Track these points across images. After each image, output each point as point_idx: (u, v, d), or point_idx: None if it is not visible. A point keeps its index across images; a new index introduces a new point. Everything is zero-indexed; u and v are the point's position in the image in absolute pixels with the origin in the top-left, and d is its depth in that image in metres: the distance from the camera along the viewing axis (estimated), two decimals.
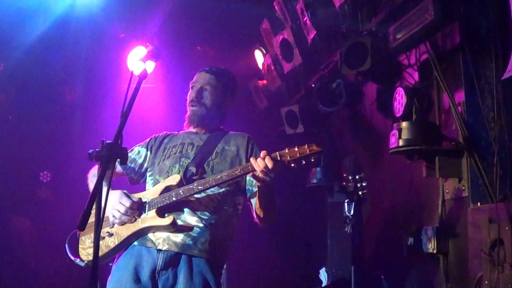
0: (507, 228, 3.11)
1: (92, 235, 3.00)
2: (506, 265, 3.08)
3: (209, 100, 3.41)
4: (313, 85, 5.54)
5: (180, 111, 3.57)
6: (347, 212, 4.09)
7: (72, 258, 3.21)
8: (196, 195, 3.12)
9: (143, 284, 3.04)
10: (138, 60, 2.75)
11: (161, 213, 3.12)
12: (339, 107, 5.20)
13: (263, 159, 2.85)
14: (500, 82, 3.31)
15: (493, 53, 3.41)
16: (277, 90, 6.30)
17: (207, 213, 3.16)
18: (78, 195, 3.58)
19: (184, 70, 5.95)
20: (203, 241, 3.11)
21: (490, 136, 3.43)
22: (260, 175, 2.88)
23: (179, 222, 3.11)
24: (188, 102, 3.45)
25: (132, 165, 3.47)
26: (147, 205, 3.16)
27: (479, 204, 3.46)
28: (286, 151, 2.89)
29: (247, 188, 3.27)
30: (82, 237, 3.26)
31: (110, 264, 3.27)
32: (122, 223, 3.17)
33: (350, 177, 4.05)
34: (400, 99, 3.93)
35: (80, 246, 3.24)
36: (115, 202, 3.14)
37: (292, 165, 2.89)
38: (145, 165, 3.48)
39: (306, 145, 2.87)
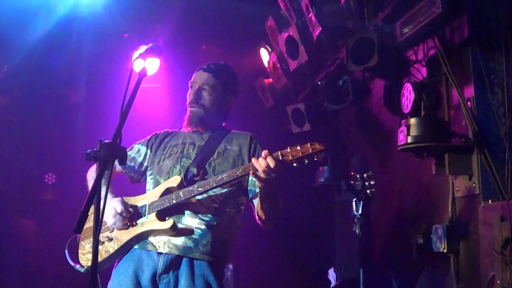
0: None
1: (92, 239, 2.95)
2: None
3: (207, 101, 3.33)
4: (319, 83, 5.49)
5: (185, 111, 3.51)
6: (355, 211, 4.04)
7: (72, 263, 3.16)
8: (197, 197, 3.06)
9: None
10: (137, 57, 2.69)
11: (161, 216, 3.06)
12: (346, 104, 5.16)
13: (265, 158, 2.79)
14: (511, 76, 3.26)
15: (503, 46, 3.40)
16: (283, 88, 6.27)
17: (209, 215, 3.09)
18: (83, 197, 3.52)
19: (189, 70, 5.86)
20: (205, 243, 3.05)
21: (501, 131, 3.41)
22: (262, 175, 2.81)
23: (180, 225, 3.05)
24: (187, 102, 3.39)
25: (131, 164, 3.41)
26: (147, 208, 3.11)
27: (490, 201, 3.41)
28: (288, 150, 2.82)
29: (249, 188, 3.20)
30: (82, 242, 3.21)
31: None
32: (120, 229, 3.12)
33: (358, 176, 4.00)
34: (408, 95, 3.89)
35: (79, 251, 3.20)
36: (112, 208, 3.09)
37: (295, 164, 2.82)
38: (145, 163, 3.42)
39: (308, 143, 2.81)
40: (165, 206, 3.04)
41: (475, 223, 3.52)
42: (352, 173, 4.12)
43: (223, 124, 3.45)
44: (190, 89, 3.40)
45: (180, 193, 3.02)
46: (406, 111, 3.91)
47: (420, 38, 4.00)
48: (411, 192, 4.53)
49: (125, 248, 3.10)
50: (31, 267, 6.63)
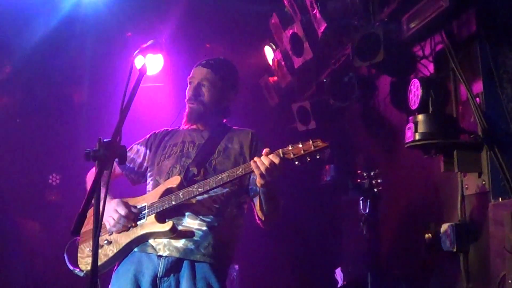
0: None
1: (91, 242, 2.89)
2: None
3: (207, 97, 3.27)
4: (324, 80, 5.45)
5: (184, 108, 3.45)
6: (362, 210, 4.00)
7: (71, 268, 3.11)
8: (197, 197, 2.99)
9: None
10: (137, 53, 2.64)
11: (161, 218, 2.99)
12: (351, 101, 5.10)
13: (266, 157, 2.74)
14: None
15: None
16: (288, 86, 6.22)
17: (210, 216, 3.03)
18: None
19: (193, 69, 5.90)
20: (206, 245, 2.98)
21: (511, 127, 3.35)
22: (263, 174, 2.74)
23: (180, 227, 2.98)
24: (186, 99, 3.33)
25: (131, 165, 3.35)
26: (146, 210, 3.04)
27: (500, 199, 3.36)
28: (290, 148, 2.76)
29: (250, 187, 3.14)
30: (81, 246, 3.15)
31: None
32: (119, 232, 3.06)
33: (364, 174, 3.96)
34: (415, 91, 3.83)
35: (79, 255, 3.14)
36: (111, 210, 3.03)
37: (296, 163, 2.76)
38: (145, 164, 3.36)
39: (310, 141, 2.74)
40: (164, 208, 2.98)
41: (485, 222, 3.46)
42: (359, 172, 4.08)
43: (224, 120, 3.38)
44: (189, 85, 3.34)
45: (180, 194, 2.96)
46: (414, 107, 3.84)
47: (427, 33, 3.93)
48: (419, 190, 4.47)
49: (125, 251, 3.04)
50: (35, 268, 6.61)
